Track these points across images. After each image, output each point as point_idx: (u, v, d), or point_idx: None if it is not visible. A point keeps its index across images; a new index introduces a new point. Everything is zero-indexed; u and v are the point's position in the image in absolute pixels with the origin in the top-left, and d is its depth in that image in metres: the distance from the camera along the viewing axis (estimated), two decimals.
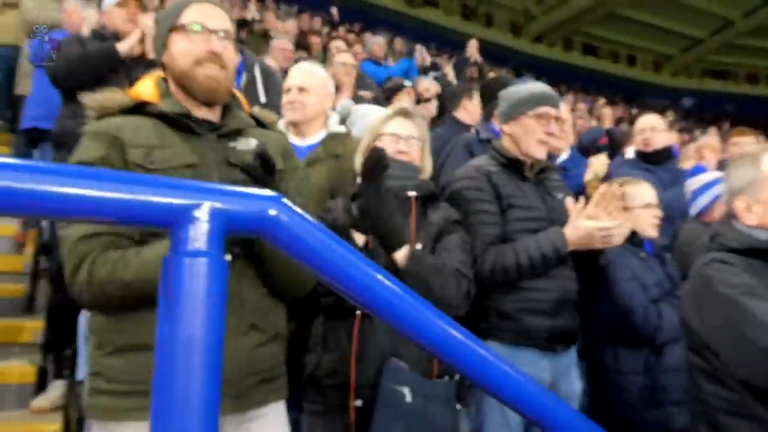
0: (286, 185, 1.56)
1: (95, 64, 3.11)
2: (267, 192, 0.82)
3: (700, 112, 18.42)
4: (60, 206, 0.70)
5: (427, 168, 2.14)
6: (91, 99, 1.47)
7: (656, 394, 2.26)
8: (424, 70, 6.29)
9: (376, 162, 1.79)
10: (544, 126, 2.25)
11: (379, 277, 0.95)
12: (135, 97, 1.53)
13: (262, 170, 1.39)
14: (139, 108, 1.49)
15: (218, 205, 0.76)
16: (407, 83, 4.71)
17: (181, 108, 1.49)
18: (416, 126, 2.12)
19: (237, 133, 1.54)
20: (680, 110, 16.70)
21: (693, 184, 3.10)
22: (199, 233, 0.74)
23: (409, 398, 1.75)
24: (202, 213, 0.74)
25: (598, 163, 3.23)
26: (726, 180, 1.77)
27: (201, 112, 1.53)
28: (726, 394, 1.51)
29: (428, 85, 5.10)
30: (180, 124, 1.47)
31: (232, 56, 1.54)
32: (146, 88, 1.78)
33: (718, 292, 1.53)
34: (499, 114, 2.41)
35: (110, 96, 1.49)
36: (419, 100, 4.90)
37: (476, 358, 1.10)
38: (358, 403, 1.75)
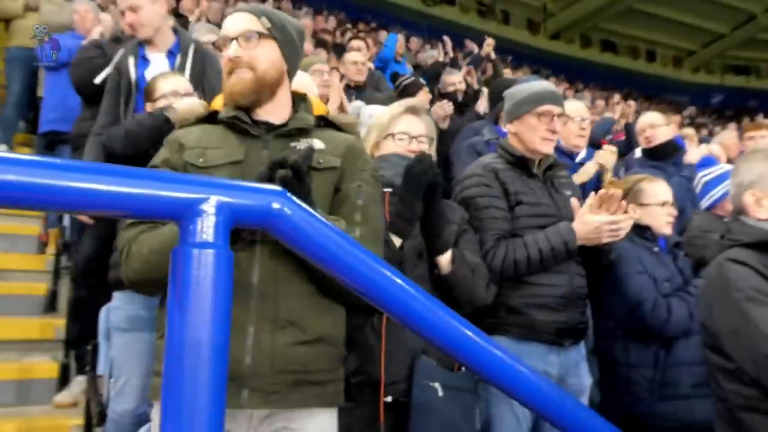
0: (347, 185, 1.56)
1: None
2: (272, 187, 0.86)
3: (722, 109, 18.19)
4: (75, 200, 0.75)
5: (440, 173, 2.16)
6: (174, 112, 1.73)
7: (665, 388, 2.26)
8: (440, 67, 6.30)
9: (427, 168, 1.80)
10: (546, 124, 2.28)
11: (384, 270, 0.99)
12: (210, 107, 1.67)
13: (288, 172, 1.35)
14: (211, 116, 1.62)
15: (225, 198, 0.80)
16: (422, 81, 4.72)
17: (235, 112, 1.57)
18: (425, 123, 2.13)
19: (301, 134, 1.58)
20: (707, 107, 16.50)
21: (705, 176, 3.10)
22: (207, 226, 0.78)
23: (440, 393, 1.79)
24: (209, 206, 0.78)
25: (605, 154, 3.23)
26: (735, 174, 1.76)
27: (261, 114, 1.59)
28: (744, 391, 1.51)
29: (455, 79, 5.09)
30: (235, 127, 1.56)
31: (252, 55, 1.55)
32: None
33: (728, 296, 1.53)
34: (503, 113, 2.44)
35: (190, 109, 1.69)
36: (442, 94, 4.92)
37: (482, 352, 1.13)
38: (388, 399, 1.77)
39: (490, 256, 2.13)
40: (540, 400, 1.20)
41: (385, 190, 1.87)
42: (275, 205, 0.83)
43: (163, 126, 2.46)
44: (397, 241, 1.87)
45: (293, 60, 1.63)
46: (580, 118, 3.60)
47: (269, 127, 1.57)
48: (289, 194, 0.87)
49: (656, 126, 3.68)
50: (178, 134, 1.60)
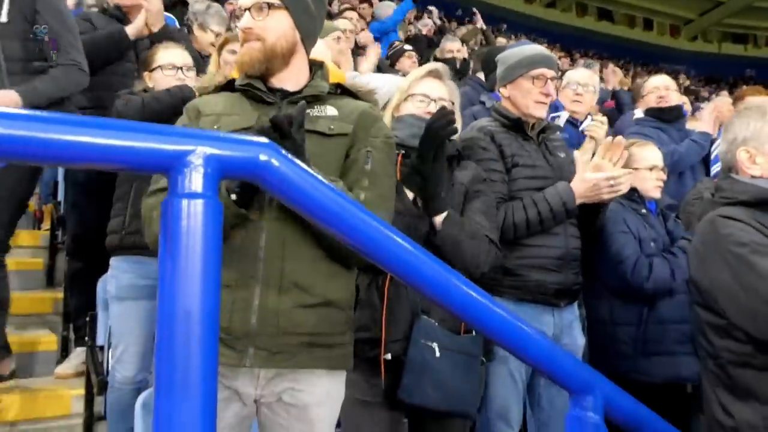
0: (357, 151, 1.56)
1: (104, 50, 3.13)
2: (260, 139, 0.86)
3: (718, 78, 18.09)
4: (64, 153, 0.75)
5: (458, 129, 2.16)
6: (191, 92, 1.78)
7: (649, 345, 2.31)
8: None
9: (446, 123, 1.82)
10: (540, 87, 2.28)
11: (374, 223, 1.00)
12: (229, 76, 1.68)
13: (279, 131, 1.39)
14: (230, 84, 1.65)
15: (212, 150, 0.80)
16: (408, 47, 4.74)
17: (249, 80, 1.58)
18: (447, 87, 2.12)
19: (316, 101, 1.59)
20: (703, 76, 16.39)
21: (718, 147, 3.11)
22: (195, 176, 0.79)
23: (437, 353, 1.82)
24: (197, 158, 0.79)
25: (595, 125, 3.24)
26: (729, 130, 1.74)
27: (275, 82, 1.60)
28: (736, 347, 1.53)
29: (455, 46, 5.12)
30: (251, 94, 1.58)
31: (262, 27, 1.56)
32: None
33: (728, 251, 1.52)
34: (497, 78, 2.44)
35: (209, 78, 1.71)
36: (439, 60, 4.92)
37: (481, 307, 1.14)
38: (388, 356, 1.80)
39: None
40: (540, 356, 1.22)
41: (398, 151, 1.88)
42: (262, 157, 0.84)
43: (179, 105, 2.45)
44: (410, 195, 1.90)
45: (309, 28, 1.63)
46: (576, 84, 3.61)
47: (284, 94, 1.59)
48: (278, 147, 0.88)
49: (671, 89, 3.71)
50: (197, 102, 1.63)
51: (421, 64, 4.33)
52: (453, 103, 2.11)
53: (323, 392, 1.52)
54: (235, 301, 1.43)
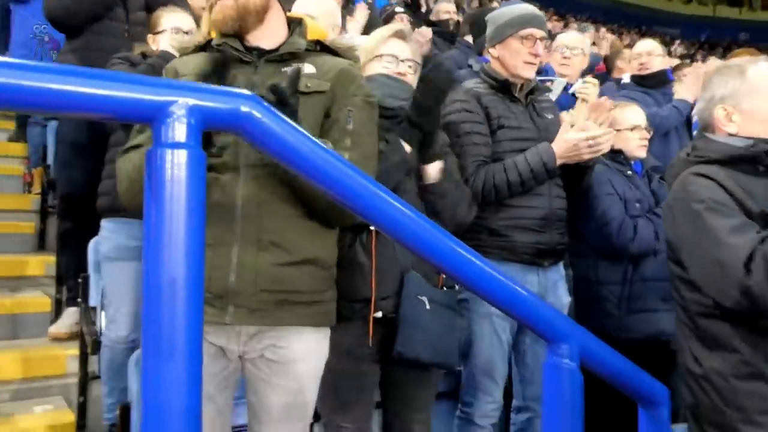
0: (337, 110, 1.56)
1: (90, 4, 3.08)
2: (241, 90, 0.88)
3: (714, 42, 17.96)
4: (50, 101, 0.77)
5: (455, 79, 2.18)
6: (175, 41, 1.78)
7: (633, 302, 2.37)
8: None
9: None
10: (529, 47, 2.27)
11: (361, 178, 1.02)
12: (207, 36, 1.67)
13: (277, 95, 1.38)
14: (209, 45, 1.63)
15: (195, 101, 0.82)
16: (399, 9, 4.69)
17: (225, 39, 1.56)
18: (411, 49, 2.12)
19: (293, 58, 1.58)
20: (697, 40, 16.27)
21: None
22: (178, 126, 0.80)
23: (428, 306, 1.86)
24: (180, 108, 0.81)
25: (587, 87, 3.24)
26: (707, 88, 1.75)
27: (252, 40, 1.58)
28: (703, 299, 1.57)
29: (449, 8, 5.08)
30: (228, 53, 1.55)
31: None
32: None
33: (688, 207, 1.56)
34: (486, 38, 2.43)
35: (190, 38, 1.74)
36: (431, 22, 4.90)
37: (464, 261, 1.17)
38: (379, 314, 1.82)
39: (470, 181, 2.17)
40: (516, 305, 1.25)
41: None
42: (244, 108, 0.85)
43: None
44: (407, 148, 1.90)
45: None
46: (564, 48, 3.61)
47: (261, 53, 1.57)
48: (260, 99, 0.89)
49: (654, 54, 3.70)
50: (175, 62, 1.62)
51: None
52: (419, 64, 2.11)
53: (304, 348, 1.54)
54: (214, 259, 1.44)
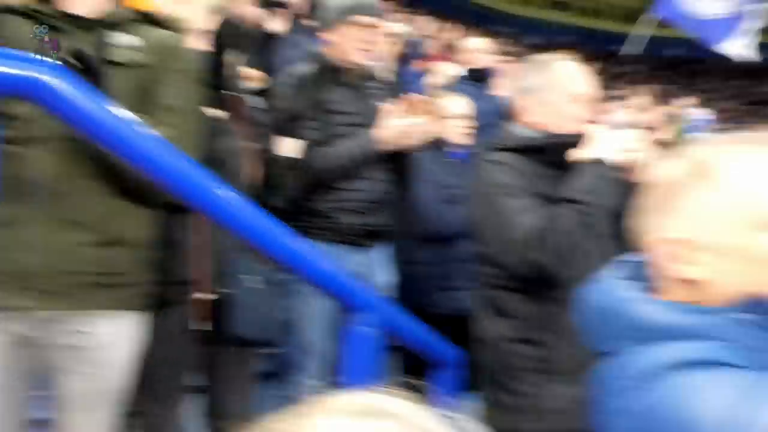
0: (157, 84, 1.48)
1: None
2: (35, 56, 0.86)
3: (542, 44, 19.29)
4: None
5: None
6: None
7: (445, 281, 2.59)
8: None
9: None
10: (361, 34, 2.33)
11: (162, 148, 1.02)
12: None
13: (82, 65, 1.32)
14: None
15: None
16: None
17: (35, 4, 1.43)
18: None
19: (111, 27, 1.47)
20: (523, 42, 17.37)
21: None
22: None
23: (251, 285, 1.86)
24: None
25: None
26: (514, 80, 1.94)
27: (67, 6, 1.45)
28: (500, 273, 1.77)
29: None
30: (35, 17, 1.39)
31: None
32: None
33: (483, 191, 1.74)
34: (319, 22, 2.47)
35: None
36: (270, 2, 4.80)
37: (270, 234, 1.22)
38: (207, 296, 1.81)
39: (298, 164, 2.22)
40: (322, 277, 1.32)
41: None
42: (37, 75, 0.84)
43: None
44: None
45: None
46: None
47: (76, 20, 1.45)
48: (57, 66, 0.88)
49: (480, 52, 4.07)
50: None
51: None
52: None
53: (113, 333, 1.47)
54: (11, 238, 1.36)
